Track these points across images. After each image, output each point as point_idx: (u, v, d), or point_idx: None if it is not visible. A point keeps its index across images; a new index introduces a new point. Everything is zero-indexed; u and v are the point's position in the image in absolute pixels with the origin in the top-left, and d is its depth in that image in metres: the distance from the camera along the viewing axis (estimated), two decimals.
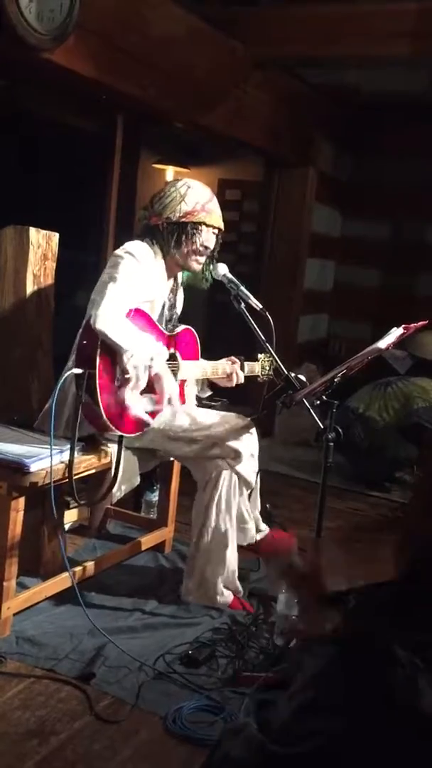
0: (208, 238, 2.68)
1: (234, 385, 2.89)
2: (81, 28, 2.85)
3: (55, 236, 2.77)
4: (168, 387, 2.50)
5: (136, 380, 2.43)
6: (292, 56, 4.11)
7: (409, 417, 4.08)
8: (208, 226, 2.66)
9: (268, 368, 2.94)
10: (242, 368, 2.91)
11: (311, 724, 0.67)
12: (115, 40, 3.11)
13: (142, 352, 2.42)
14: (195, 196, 2.65)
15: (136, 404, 2.47)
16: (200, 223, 2.64)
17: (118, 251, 2.59)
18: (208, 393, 2.98)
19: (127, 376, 2.41)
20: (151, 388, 2.51)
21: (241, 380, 2.89)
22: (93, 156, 5.11)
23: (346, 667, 0.68)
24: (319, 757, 0.66)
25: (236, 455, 2.62)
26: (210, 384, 2.95)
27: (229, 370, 2.87)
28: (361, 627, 0.71)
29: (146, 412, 2.51)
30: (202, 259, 2.71)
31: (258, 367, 2.97)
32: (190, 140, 5.21)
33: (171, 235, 2.64)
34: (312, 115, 4.97)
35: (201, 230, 2.65)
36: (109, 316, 2.38)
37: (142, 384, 2.45)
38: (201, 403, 2.97)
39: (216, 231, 2.71)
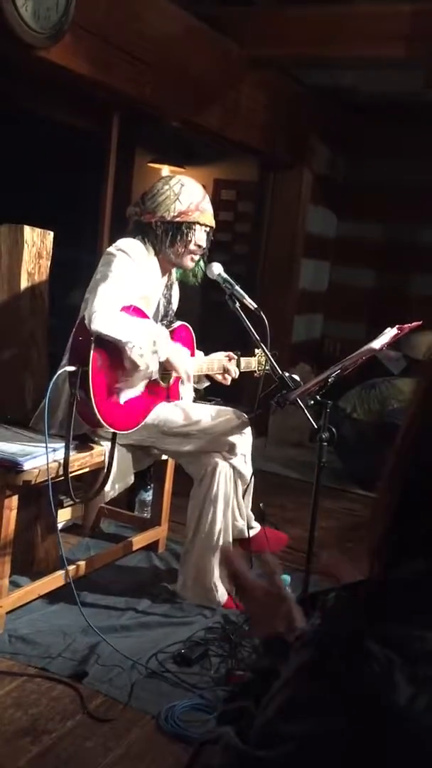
0: (201, 237, 2.69)
1: (229, 382, 2.90)
2: (77, 26, 2.85)
3: (50, 234, 2.77)
4: (181, 362, 2.58)
5: (146, 368, 2.45)
6: (287, 57, 4.11)
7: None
8: (201, 225, 2.67)
9: (264, 363, 2.95)
10: (239, 363, 2.92)
11: (288, 727, 0.67)
12: (110, 39, 3.11)
13: (143, 338, 2.43)
14: (189, 195, 2.65)
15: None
16: (194, 223, 2.65)
17: (110, 249, 2.60)
18: (206, 384, 2.98)
19: (139, 367, 2.43)
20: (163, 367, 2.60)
21: (236, 376, 2.91)
22: (88, 154, 5.09)
23: (320, 668, 0.68)
24: (296, 760, 0.66)
25: (231, 448, 2.63)
26: (207, 376, 2.96)
27: (224, 365, 2.88)
28: (336, 626, 0.71)
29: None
30: (196, 257, 2.73)
31: (254, 362, 2.98)
32: (186, 139, 5.20)
33: (165, 235, 2.64)
34: (307, 116, 4.97)
35: (195, 230, 2.66)
36: (103, 314, 2.38)
37: (154, 367, 2.48)
38: (198, 397, 2.98)
39: (208, 229, 2.72)
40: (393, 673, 0.63)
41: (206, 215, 2.69)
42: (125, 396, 2.53)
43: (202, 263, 2.79)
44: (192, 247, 2.67)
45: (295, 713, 0.67)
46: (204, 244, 2.71)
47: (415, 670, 0.63)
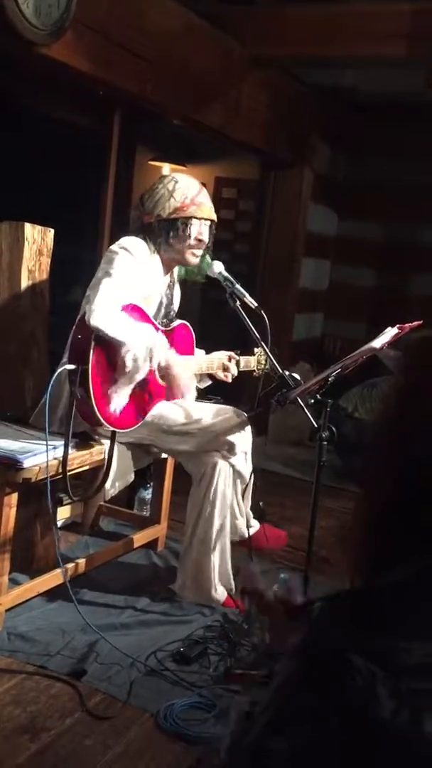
0: (201, 231, 2.68)
1: (230, 379, 2.91)
2: (78, 23, 2.84)
3: (51, 232, 2.76)
4: (179, 373, 2.55)
5: (134, 372, 2.43)
6: (288, 56, 4.11)
7: None
8: (199, 219, 2.67)
9: (264, 362, 2.95)
10: (238, 363, 2.92)
11: (277, 739, 0.67)
12: (112, 36, 3.10)
13: (140, 343, 2.43)
14: (183, 190, 2.65)
15: (128, 394, 2.49)
16: (191, 218, 2.65)
17: (113, 246, 2.60)
18: (208, 383, 2.98)
19: (126, 369, 2.42)
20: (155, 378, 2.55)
21: (235, 373, 2.91)
22: (89, 152, 5.09)
23: (306, 679, 0.68)
24: None
25: (231, 448, 2.63)
26: (209, 374, 2.96)
27: (224, 363, 2.88)
28: (321, 638, 0.70)
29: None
30: (199, 252, 2.72)
31: (254, 361, 2.98)
32: (187, 138, 5.20)
33: (164, 232, 2.64)
34: (308, 116, 4.97)
35: (193, 224, 2.66)
36: (104, 311, 2.38)
37: (141, 376, 2.47)
38: (199, 395, 2.98)
39: (209, 223, 2.71)
40: (375, 686, 0.63)
41: (203, 209, 2.68)
42: (116, 401, 2.50)
43: (208, 257, 2.77)
44: (192, 241, 2.67)
45: (283, 725, 0.67)
46: (205, 238, 2.70)
47: (398, 684, 0.63)
